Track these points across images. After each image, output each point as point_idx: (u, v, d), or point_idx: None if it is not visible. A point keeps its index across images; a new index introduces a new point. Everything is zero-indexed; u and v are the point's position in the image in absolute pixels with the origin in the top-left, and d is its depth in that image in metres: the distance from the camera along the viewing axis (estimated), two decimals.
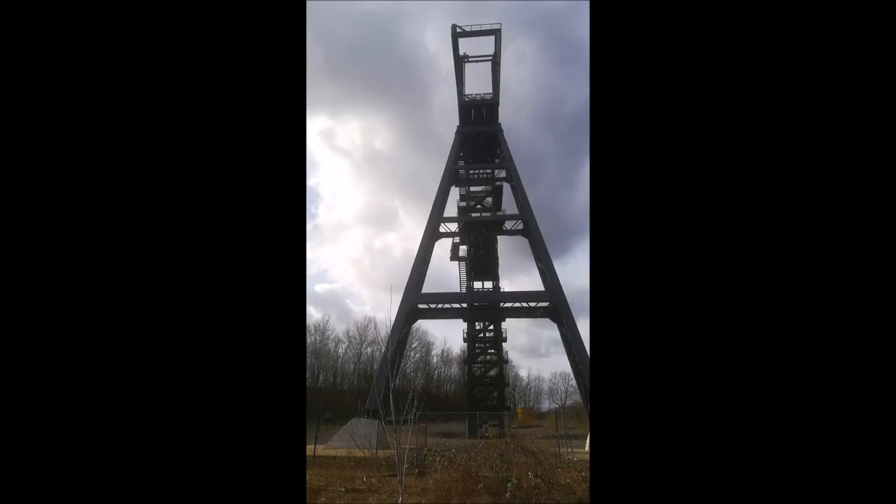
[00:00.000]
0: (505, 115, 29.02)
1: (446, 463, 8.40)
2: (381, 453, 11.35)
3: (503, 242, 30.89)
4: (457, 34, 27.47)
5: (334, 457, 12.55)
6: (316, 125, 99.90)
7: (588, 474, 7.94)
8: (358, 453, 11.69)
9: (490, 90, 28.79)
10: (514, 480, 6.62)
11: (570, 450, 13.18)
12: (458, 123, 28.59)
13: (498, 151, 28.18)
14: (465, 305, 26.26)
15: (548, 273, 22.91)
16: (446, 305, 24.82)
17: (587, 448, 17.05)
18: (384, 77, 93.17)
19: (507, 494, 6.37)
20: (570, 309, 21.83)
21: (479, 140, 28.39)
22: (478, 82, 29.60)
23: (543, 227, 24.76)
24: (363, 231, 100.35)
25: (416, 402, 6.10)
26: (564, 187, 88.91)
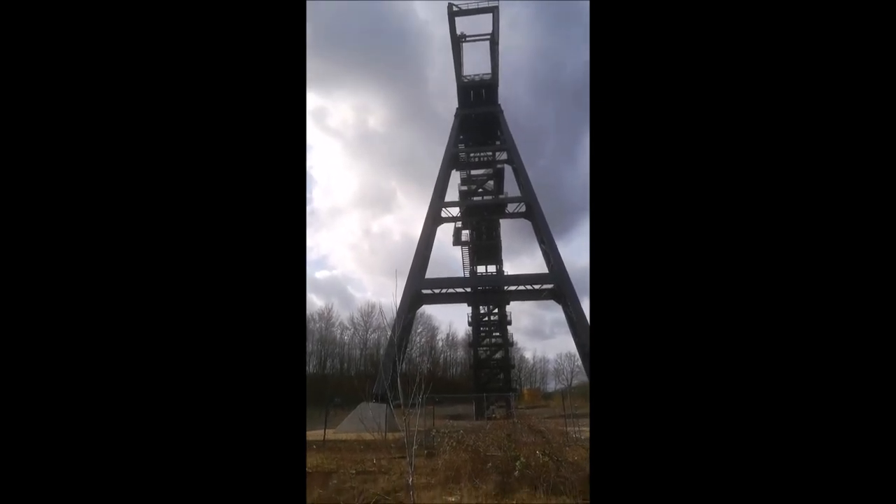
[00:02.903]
0: (502, 86, 28.49)
1: (455, 444, 8.52)
2: (390, 436, 11.53)
3: (506, 225, 30.79)
4: (453, 13, 26.80)
5: (344, 440, 12.75)
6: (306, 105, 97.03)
7: None
8: (367, 436, 11.87)
9: (488, 69, 28.24)
10: (523, 459, 6.70)
11: (577, 428, 13.33)
12: (454, 97, 28.21)
13: (498, 133, 27.81)
14: (469, 290, 26.33)
15: (551, 254, 22.85)
16: (450, 290, 24.90)
17: None
18: (375, 50, 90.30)
19: (516, 473, 6.46)
20: (574, 290, 21.84)
21: (479, 122, 27.99)
22: (475, 58, 29.01)
23: (545, 205, 24.59)
24: (360, 214, 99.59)
25: (423, 386, 6.12)
26: (565, 161, 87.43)
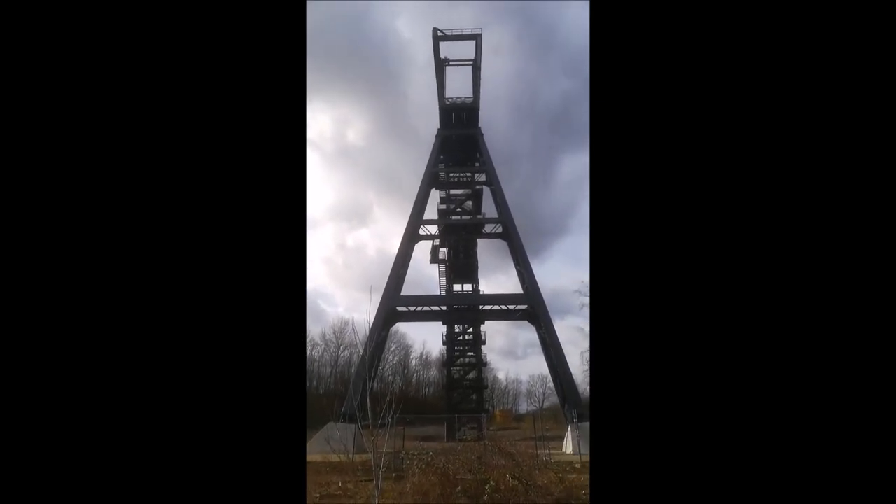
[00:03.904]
0: (482, 109, 29.10)
1: (424, 466, 8.33)
2: (357, 458, 11.17)
3: (482, 244, 31.11)
4: (437, 38, 27.57)
5: (309, 462, 12.24)
6: None
7: (564, 475, 8.03)
8: (334, 458, 11.46)
9: (470, 92, 29.01)
10: (492, 483, 6.62)
11: (547, 451, 13.30)
12: (434, 116, 28.79)
13: (478, 155, 28.40)
14: (444, 308, 26.25)
15: (526, 276, 23.16)
16: (426, 308, 24.75)
17: (564, 449, 17.26)
18: (357, 65, 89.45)
19: (485, 497, 6.36)
20: (547, 311, 22.13)
21: (460, 143, 28.55)
22: (457, 80, 29.72)
23: (519, 226, 25.00)
24: (335, 227, 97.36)
25: (393, 405, 6.01)
26: (539, 185, 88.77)
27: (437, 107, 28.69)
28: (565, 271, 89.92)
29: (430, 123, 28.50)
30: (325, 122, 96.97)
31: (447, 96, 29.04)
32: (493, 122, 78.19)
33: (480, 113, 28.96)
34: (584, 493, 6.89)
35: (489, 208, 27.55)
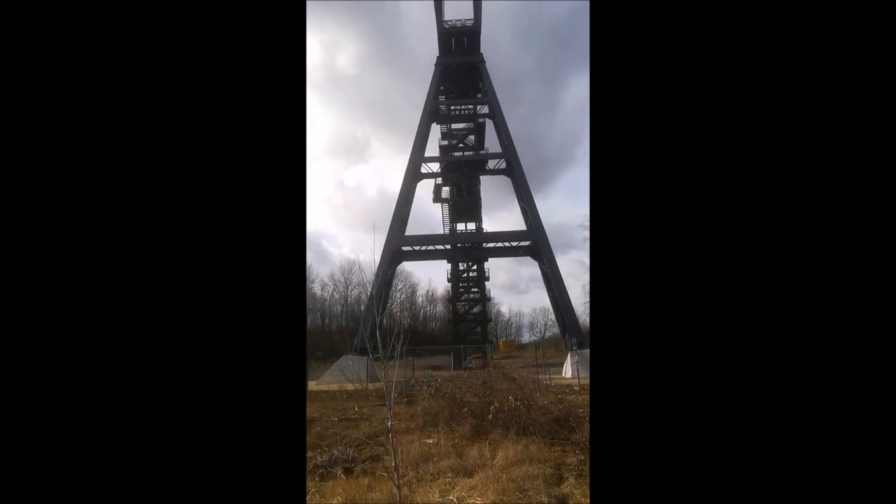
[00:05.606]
0: (482, 29, 27.02)
1: (433, 392, 8.97)
2: (371, 386, 12.00)
3: (485, 180, 30.62)
4: None
5: (326, 391, 13.20)
6: None
7: (563, 397, 8.65)
8: (349, 387, 12.34)
9: (470, 13, 26.79)
10: (496, 404, 7.15)
11: (548, 376, 14.18)
12: (431, 37, 27.08)
13: (480, 85, 26.92)
14: (448, 247, 26.55)
15: (529, 212, 23.07)
16: (430, 247, 25.05)
17: (564, 374, 18.40)
18: None
19: (490, 416, 6.92)
20: (550, 247, 22.34)
21: (461, 72, 26.94)
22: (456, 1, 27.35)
23: (523, 157, 24.23)
24: (333, 163, 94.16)
25: (401, 337, 6.33)
26: (545, 110, 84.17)
27: (436, 30, 26.67)
28: (569, 204, 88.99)
29: (426, 47, 26.71)
30: (313, 47, 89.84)
31: (446, 19, 26.87)
32: (496, 42, 72.47)
33: (482, 34, 26.96)
34: (581, 411, 7.45)
35: (492, 142, 26.73)
